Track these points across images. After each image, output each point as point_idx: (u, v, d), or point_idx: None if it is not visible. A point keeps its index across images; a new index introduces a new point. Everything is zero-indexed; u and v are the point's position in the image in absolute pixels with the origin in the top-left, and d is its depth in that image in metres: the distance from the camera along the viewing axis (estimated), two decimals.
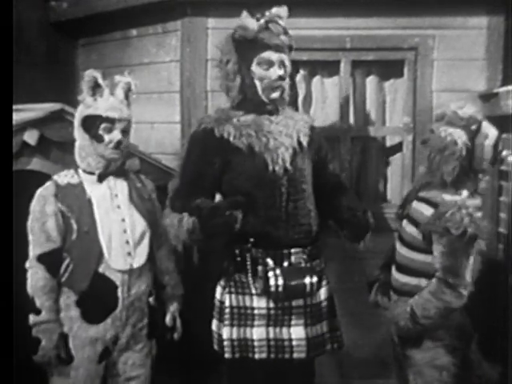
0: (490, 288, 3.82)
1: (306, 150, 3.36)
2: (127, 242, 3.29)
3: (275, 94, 3.29)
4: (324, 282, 3.41)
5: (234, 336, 3.27)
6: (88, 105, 3.30)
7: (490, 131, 3.21)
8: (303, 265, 3.26)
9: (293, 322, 3.29)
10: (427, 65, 4.33)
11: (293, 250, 3.26)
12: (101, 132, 3.28)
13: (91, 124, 3.28)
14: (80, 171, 3.35)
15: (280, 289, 3.15)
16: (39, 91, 5.00)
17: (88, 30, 5.14)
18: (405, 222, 3.33)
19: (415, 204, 3.31)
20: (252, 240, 3.22)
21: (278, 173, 3.23)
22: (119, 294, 3.26)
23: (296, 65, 4.12)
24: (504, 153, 3.41)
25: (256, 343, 3.25)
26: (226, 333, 3.26)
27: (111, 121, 3.28)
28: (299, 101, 4.45)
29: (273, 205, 3.24)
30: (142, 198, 3.45)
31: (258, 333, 3.25)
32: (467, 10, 4.29)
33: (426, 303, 3.10)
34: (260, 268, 3.21)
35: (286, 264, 3.23)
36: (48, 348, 3.16)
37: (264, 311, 3.27)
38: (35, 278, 3.21)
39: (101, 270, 3.24)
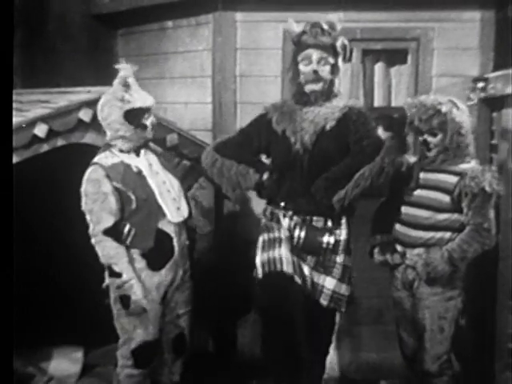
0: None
1: (333, 133, 3.71)
2: (174, 199, 3.80)
3: (311, 86, 3.69)
4: (341, 250, 3.77)
5: (265, 258, 3.69)
6: (127, 100, 3.67)
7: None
8: (324, 227, 3.71)
9: (306, 261, 3.72)
10: (428, 53, 4.80)
11: (314, 218, 3.73)
12: (143, 121, 3.72)
13: (134, 116, 3.68)
14: (115, 151, 3.76)
15: (301, 240, 3.68)
16: (82, 76, 5.53)
17: (127, 21, 5.61)
18: (421, 191, 3.82)
19: (432, 175, 3.82)
20: (283, 204, 3.75)
21: (299, 152, 3.69)
22: (175, 243, 3.76)
23: None
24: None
25: (284, 259, 3.63)
26: (258, 259, 3.73)
27: (148, 110, 3.74)
28: None
29: (296, 178, 3.71)
30: (168, 161, 3.96)
31: (285, 252, 3.65)
32: (462, 5, 4.75)
33: (464, 246, 3.69)
34: (287, 220, 3.72)
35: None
36: (138, 300, 3.62)
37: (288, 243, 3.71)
38: (106, 249, 3.61)
39: (159, 226, 3.72)
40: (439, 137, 3.76)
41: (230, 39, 4.82)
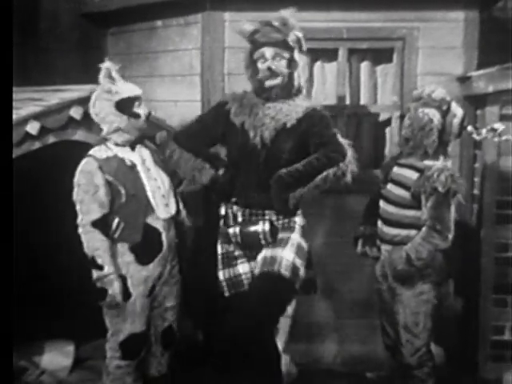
0: (466, 239, 4.50)
1: (293, 132, 3.72)
2: (163, 196, 3.87)
3: (270, 82, 3.74)
4: (296, 230, 3.81)
5: (227, 276, 3.86)
6: (114, 91, 3.76)
7: (458, 111, 3.88)
8: (260, 218, 3.77)
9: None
10: (413, 52, 4.88)
11: (266, 211, 3.78)
12: (135, 109, 3.79)
13: (125, 106, 3.76)
14: (110, 145, 3.82)
15: (238, 238, 3.77)
16: (73, 74, 5.59)
17: (117, 20, 5.63)
18: (390, 185, 3.94)
19: (399, 170, 3.93)
20: (234, 200, 3.82)
21: (257, 147, 3.74)
22: (163, 238, 3.84)
23: None
24: (469, 128, 4.04)
25: (243, 276, 3.84)
26: (221, 275, 3.89)
27: (138, 98, 3.81)
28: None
29: (251, 172, 3.76)
30: (160, 158, 3.99)
31: (242, 268, 3.85)
32: (447, 5, 4.84)
33: (418, 247, 3.74)
34: (239, 219, 3.81)
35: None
36: (115, 294, 3.69)
37: (242, 253, 3.86)
38: (92, 241, 3.67)
39: (148, 221, 3.80)
40: (402, 131, 3.91)
41: (219, 38, 4.88)
